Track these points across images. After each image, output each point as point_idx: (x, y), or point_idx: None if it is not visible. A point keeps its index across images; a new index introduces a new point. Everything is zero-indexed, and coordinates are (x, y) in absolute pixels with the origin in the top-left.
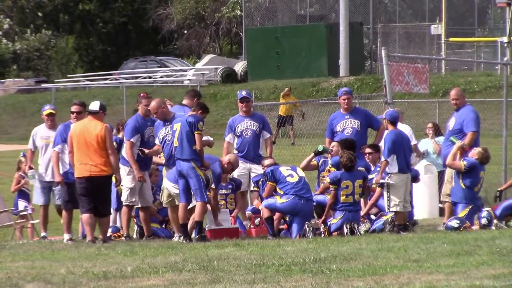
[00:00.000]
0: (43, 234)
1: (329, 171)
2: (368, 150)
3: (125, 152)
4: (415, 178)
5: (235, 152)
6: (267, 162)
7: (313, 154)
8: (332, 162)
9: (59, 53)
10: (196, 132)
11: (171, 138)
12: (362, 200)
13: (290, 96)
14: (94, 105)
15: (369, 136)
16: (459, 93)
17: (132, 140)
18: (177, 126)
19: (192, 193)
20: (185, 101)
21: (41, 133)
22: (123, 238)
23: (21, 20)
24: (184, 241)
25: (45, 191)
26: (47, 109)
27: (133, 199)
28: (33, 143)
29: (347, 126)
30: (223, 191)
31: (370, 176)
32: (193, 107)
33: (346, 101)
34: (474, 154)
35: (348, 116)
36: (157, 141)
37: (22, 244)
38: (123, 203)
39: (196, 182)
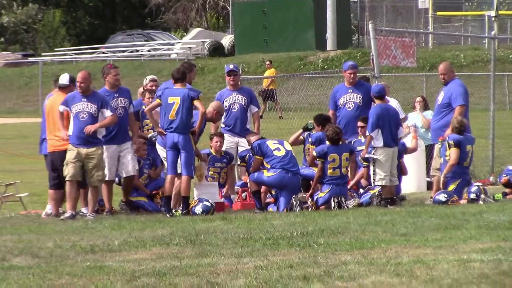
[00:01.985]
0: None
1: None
2: (360, 123)
3: None
4: (402, 152)
5: (223, 126)
6: (252, 138)
7: (301, 130)
8: (313, 139)
9: (46, 26)
10: (196, 100)
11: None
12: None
13: (271, 69)
14: (63, 79)
15: None
16: (447, 67)
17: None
18: (176, 99)
19: (181, 165)
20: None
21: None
22: (104, 214)
23: None
24: (167, 215)
25: None
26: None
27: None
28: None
29: (349, 100)
30: (218, 165)
31: (359, 148)
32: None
33: (352, 75)
34: (450, 129)
35: (351, 90)
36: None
37: (9, 218)
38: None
39: (189, 156)
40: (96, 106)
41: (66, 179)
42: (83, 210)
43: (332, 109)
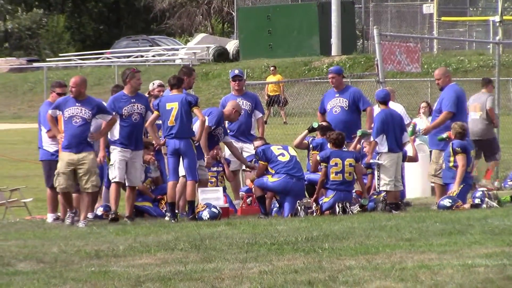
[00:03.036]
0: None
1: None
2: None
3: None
4: (404, 157)
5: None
6: (257, 143)
7: (307, 131)
8: (314, 144)
9: (50, 32)
10: (195, 108)
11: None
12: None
13: (276, 75)
14: None
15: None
16: (441, 72)
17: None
18: (173, 105)
19: (184, 171)
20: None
21: None
22: (111, 215)
23: None
24: (172, 221)
25: None
26: None
27: (112, 176)
28: None
29: (336, 104)
30: (215, 169)
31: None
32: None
33: (331, 80)
34: (451, 134)
35: (338, 95)
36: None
37: (14, 223)
38: (112, 182)
39: (191, 161)
40: (90, 112)
41: (58, 190)
42: (89, 215)
43: (320, 112)
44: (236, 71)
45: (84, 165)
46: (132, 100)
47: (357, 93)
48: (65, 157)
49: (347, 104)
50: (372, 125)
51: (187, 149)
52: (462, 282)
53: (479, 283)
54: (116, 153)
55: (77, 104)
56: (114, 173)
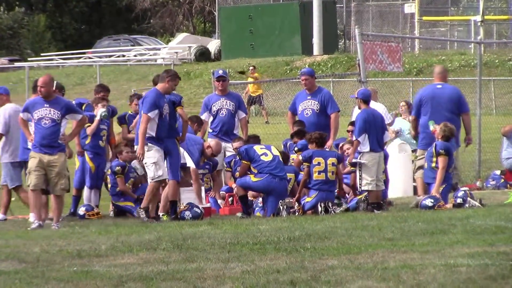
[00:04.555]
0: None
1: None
2: (350, 127)
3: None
4: (386, 158)
5: (210, 131)
6: (236, 144)
7: None
8: (299, 146)
9: (32, 31)
10: (179, 107)
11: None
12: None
13: (254, 74)
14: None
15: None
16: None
17: (149, 114)
18: None
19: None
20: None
21: None
22: (144, 217)
23: None
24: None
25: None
26: None
27: (159, 173)
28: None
29: (307, 107)
30: (201, 171)
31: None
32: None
33: (304, 81)
34: (437, 135)
35: (310, 97)
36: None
37: None
38: (152, 181)
39: (176, 160)
40: (60, 113)
41: (30, 188)
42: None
43: (290, 111)
44: (220, 72)
45: (55, 167)
46: (164, 100)
47: (327, 96)
48: (36, 156)
49: (318, 107)
50: (333, 131)
51: (172, 149)
52: (444, 282)
53: (461, 283)
54: (153, 152)
55: (45, 105)
56: (160, 172)
